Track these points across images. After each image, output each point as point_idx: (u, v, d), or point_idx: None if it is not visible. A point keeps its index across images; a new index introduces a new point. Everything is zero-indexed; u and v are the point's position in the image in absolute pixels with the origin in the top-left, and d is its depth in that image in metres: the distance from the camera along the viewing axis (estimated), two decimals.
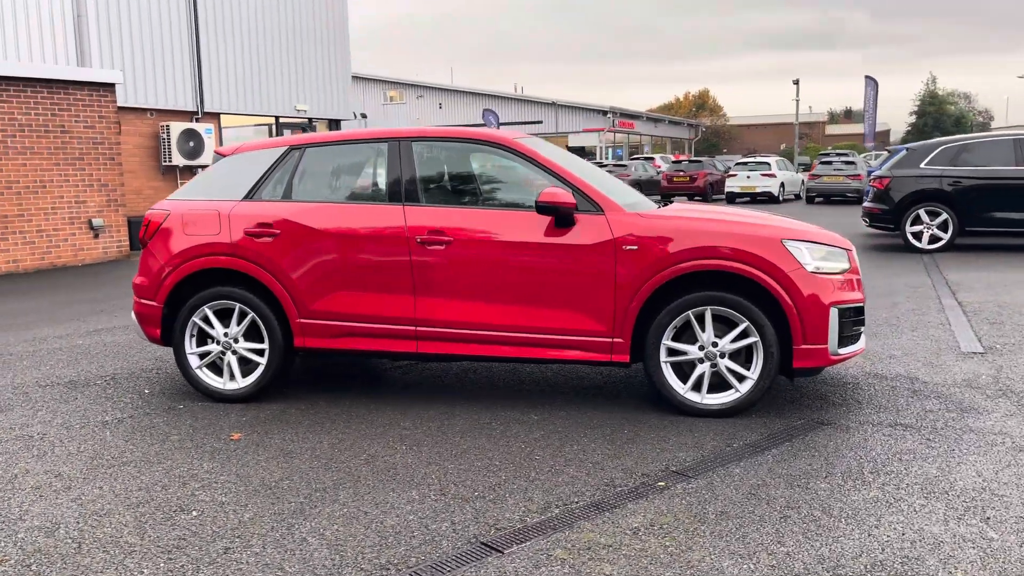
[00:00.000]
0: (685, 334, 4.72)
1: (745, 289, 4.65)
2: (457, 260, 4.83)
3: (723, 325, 4.67)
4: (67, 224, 12.99)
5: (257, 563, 3.08)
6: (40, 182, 12.64)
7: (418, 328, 4.91)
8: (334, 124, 21.12)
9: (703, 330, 4.65)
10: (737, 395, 4.67)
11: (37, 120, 12.57)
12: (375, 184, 5.10)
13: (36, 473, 4.05)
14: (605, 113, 51.07)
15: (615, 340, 4.73)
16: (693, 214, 4.93)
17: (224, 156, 5.44)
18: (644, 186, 30.19)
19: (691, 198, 29.48)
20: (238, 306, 5.09)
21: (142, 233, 5.29)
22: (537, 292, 4.77)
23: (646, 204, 5.24)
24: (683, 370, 4.74)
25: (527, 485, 3.78)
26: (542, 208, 4.65)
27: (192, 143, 16.86)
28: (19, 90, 12.32)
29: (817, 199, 26.76)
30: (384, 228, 4.91)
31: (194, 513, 3.54)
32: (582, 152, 50.86)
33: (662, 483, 3.77)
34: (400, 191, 5.00)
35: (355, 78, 55.09)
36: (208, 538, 3.29)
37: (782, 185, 27.66)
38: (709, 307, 4.63)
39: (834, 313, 4.58)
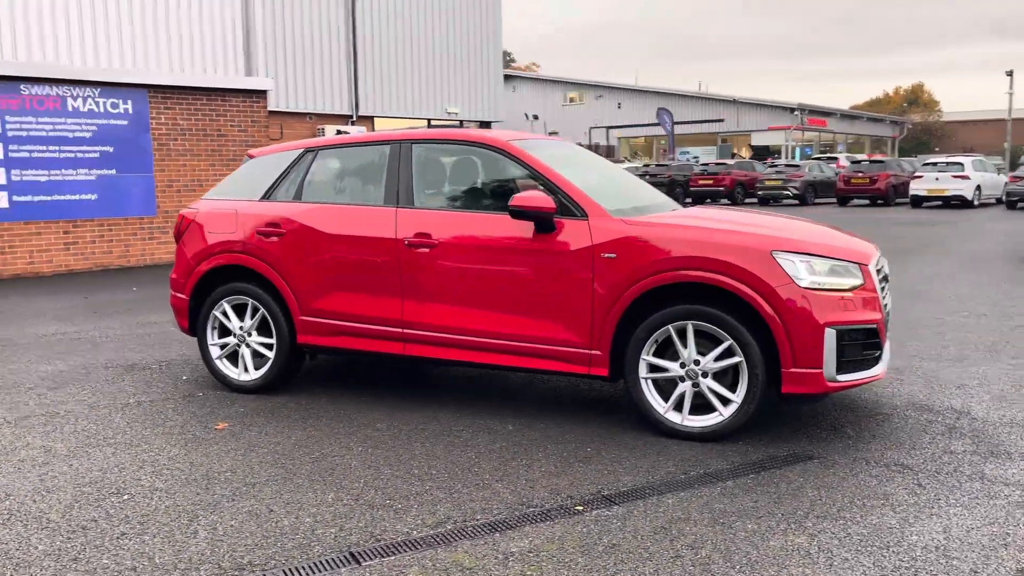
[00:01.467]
0: (670, 350, 4.40)
1: (732, 304, 4.26)
2: (441, 263, 4.79)
3: (710, 342, 4.31)
4: None
5: (137, 551, 3.21)
6: (197, 181, 13.87)
7: (405, 331, 4.91)
8: (485, 126, 21.57)
9: (685, 346, 4.32)
10: (720, 418, 4.29)
11: (196, 125, 13.81)
12: (375, 186, 5.15)
13: (33, 447, 4.46)
14: (792, 110, 48.55)
15: (593, 353, 4.49)
16: (685, 221, 4.57)
17: (252, 158, 5.72)
18: (818, 188, 28.48)
19: (874, 201, 27.40)
20: (250, 302, 5.34)
21: (175, 230, 5.68)
22: (517, 299, 4.62)
23: (653, 208, 4.94)
24: (668, 388, 4.43)
25: (444, 497, 3.68)
26: (514, 212, 4.50)
27: None
28: (181, 98, 13.59)
29: (1020, 204, 23.95)
30: (377, 230, 4.96)
31: (125, 497, 3.75)
32: (766, 151, 48.71)
33: (580, 507, 3.54)
34: (396, 193, 5.03)
35: (534, 80, 56.07)
36: (116, 522, 3.48)
37: (978, 188, 25.00)
38: (691, 322, 4.28)
39: (831, 335, 4.09)
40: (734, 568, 2.97)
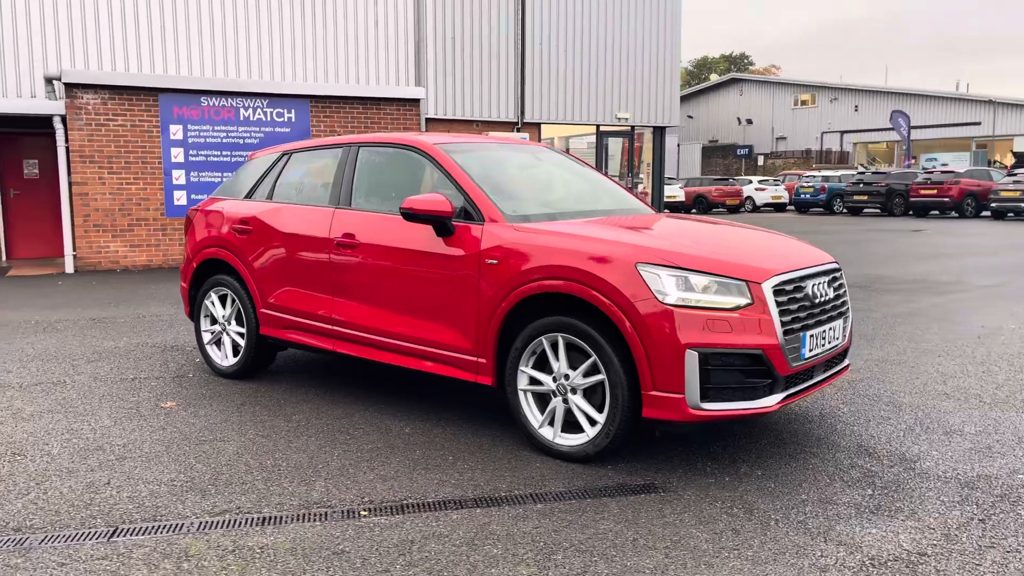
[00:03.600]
0: (549, 363, 4.17)
1: (601, 318, 3.95)
2: (360, 264, 4.88)
3: (584, 357, 4.03)
4: None
5: None
6: None
7: (333, 328, 5.06)
8: (658, 131, 21.04)
9: (557, 359, 4.08)
10: (586, 438, 4.00)
11: (353, 131, 14.84)
12: (324, 187, 5.34)
13: (10, 409, 5.13)
14: None
15: (479, 360, 4.36)
16: (575, 229, 4.26)
17: (250, 159, 6.14)
18: None
19: None
20: (229, 292, 5.75)
21: (184, 224, 6.24)
22: (419, 302, 4.60)
23: (596, 215, 4.70)
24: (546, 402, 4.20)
25: (260, 488, 3.77)
26: (405, 215, 4.47)
27: None
28: (339, 107, 14.69)
29: None
30: (317, 230, 5.15)
31: (19, 458, 4.23)
32: None
33: (365, 513, 3.49)
34: (338, 195, 5.19)
35: (762, 83, 53.63)
36: None
37: None
38: (560, 334, 4.03)
39: (692, 357, 3.66)
40: None
